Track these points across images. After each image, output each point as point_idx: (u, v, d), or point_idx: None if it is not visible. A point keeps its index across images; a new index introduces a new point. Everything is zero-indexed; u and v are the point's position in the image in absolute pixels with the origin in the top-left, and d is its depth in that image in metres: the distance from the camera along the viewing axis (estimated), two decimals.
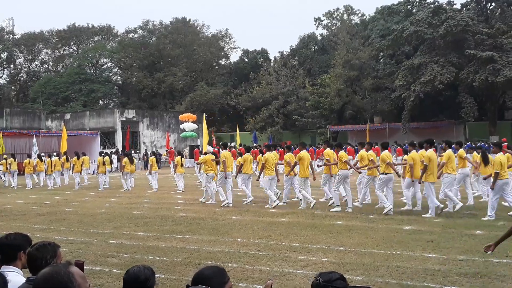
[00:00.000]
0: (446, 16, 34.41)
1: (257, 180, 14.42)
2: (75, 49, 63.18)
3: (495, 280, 5.91)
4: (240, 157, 15.60)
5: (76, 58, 59.33)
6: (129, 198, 16.56)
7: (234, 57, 75.78)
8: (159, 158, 29.39)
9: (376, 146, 19.78)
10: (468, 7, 39.06)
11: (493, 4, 38.23)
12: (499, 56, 32.10)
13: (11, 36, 60.66)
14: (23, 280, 2.82)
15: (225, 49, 61.38)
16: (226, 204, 13.26)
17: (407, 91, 35.43)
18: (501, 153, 10.81)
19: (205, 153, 15.34)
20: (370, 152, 12.70)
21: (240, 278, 6.24)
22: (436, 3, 38.35)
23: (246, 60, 59.65)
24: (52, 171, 22.65)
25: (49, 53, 62.85)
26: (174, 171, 19.32)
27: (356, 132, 41.27)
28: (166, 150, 35.08)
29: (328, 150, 13.07)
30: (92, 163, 28.07)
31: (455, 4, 39.48)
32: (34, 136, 27.91)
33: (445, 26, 33.50)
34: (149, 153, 31.02)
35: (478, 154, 12.66)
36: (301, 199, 12.82)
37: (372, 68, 43.50)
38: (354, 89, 43.81)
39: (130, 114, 41.54)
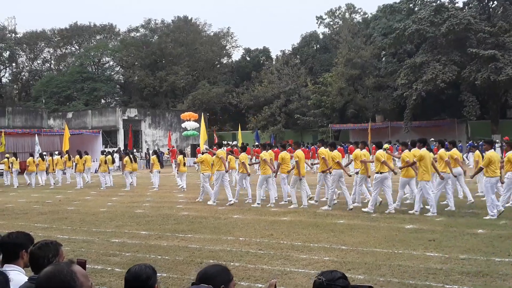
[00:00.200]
0: (448, 14, 34.32)
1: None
2: (77, 48, 63.26)
3: (497, 279, 5.90)
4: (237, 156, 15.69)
5: (78, 57, 59.41)
6: (131, 197, 16.58)
7: (236, 55, 75.59)
8: (161, 157, 29.41)
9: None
10: (470, 5, 38.94)
11: (495, 2, 38.12)
12: (501, 54, 32.03)
13: (13, 35, 60.76)
14: (25, 279, 2.82)
15: (227, 47, 61.41)
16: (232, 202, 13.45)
17: (409, 90, 35.38)
18: (492, 150, 10.84)
19: (202, 153, 15.44)
20: (364, 151, 12.75)
21: (242, 277, 6.24)
22: (438, 2, 38.24)
23: (248, 58, 59.64)
24: (54, 170, 22.70)
25: (51, 52, 62.94)
26: (177, 170, 19.34)
27: (358, 131, 41.22)
28: (168, 149, 35.14)
29: (322, 149, 13.05)
30: (94, 162, 28.11)
31: (457, 2, 39.40)
32: (36, 135, 28.00)
33: (447, 24, 33.42)
34: (150, 152, 31.06)
35: (482, 152, 12.73)
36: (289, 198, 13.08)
37: (374, 66, 43.44)
38: (356, 88, 43.75)
39: (132, 113, 41.59)
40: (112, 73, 61.50)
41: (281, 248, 7.90)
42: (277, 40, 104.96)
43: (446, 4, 37.72)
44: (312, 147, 26.70)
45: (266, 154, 13.78)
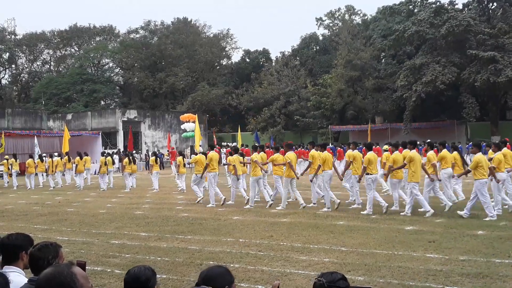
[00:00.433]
0: (448, 16, 34.35)
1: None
2: (77, 49, 63.32)
3: (497, 281, 5.90)
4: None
5: (77, 59, 59.45)
6: (130, 199, 16.57)
7: (236, 57, 76.14)
8: (160, 159, 29.40)
9: (377, 146, 19.79)
10: (469, 7, 39.00)
11: (495, 4, 38.18)
12: (501, 56, 32.04)
13: (12, 36, 60.80)
14: (25, 280, 2.82)
15: (227, 49, 61.45)
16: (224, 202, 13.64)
17: (409, 91, 35.38)
18: (480, 153, 10.88)
19: (196, 154, 15.50)
20: (356, 151, 12.80)
21: (242, 279, 6.23)
22: (438, 3, 38.25)
23: (247, 60, 59.70)
24: (53, 171, 22.67)
25: (51, 53, 63.03)
26: (177, 172, 19.34)
27: (358, 132, 41.25)
28: (168, 151, 35.12)
29: (313, 151, 13.03)
30: (93, 163, 28.09)
31: (456, 4, 39.43)
32: (35, 136, 27.96)
33: (447, 26, 33.44)
34: (150, 153, 31.06)
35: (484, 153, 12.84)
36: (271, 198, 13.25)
37: (374, 68, 43.45)
38: (356, 89, 43.78)
39: (132, 114, 41.57)
40: (112, 75, 61.54)
41: (281, 249, 7.89)
42: (276, 41, 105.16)
43: (446, 5, 37.74)
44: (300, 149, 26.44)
45: (257, 156, 13.89)
